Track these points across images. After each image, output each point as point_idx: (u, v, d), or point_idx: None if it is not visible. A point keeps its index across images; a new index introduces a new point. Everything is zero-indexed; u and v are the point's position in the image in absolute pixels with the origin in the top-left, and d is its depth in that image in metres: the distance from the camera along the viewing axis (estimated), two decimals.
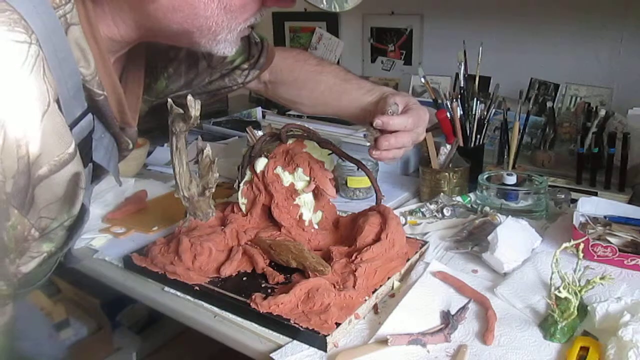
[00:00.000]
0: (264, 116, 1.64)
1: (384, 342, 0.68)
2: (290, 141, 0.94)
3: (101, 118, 0.62)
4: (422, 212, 1.06)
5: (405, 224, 1.02)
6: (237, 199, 0.96)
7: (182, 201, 0.94)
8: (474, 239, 0.94)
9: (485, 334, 0.71)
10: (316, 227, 0.94)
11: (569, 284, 0.71)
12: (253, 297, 0.77)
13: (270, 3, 0.64)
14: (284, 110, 1.51)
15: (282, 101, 1.02)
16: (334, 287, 0.78)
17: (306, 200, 0.92)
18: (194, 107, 0.85)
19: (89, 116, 0.59)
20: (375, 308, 0.79)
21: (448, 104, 1.21)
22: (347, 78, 0.95)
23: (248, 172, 0.94)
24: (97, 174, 0.67)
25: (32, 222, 0.53)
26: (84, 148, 0.59)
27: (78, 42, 0.56)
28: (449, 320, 0.72)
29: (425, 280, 0.82)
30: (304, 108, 1.02)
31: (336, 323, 0.71)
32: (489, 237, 0.87)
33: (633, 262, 0.85)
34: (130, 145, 0.72)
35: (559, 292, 0.70)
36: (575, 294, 0.71)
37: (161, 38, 0.65)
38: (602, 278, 0.71)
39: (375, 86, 0.92)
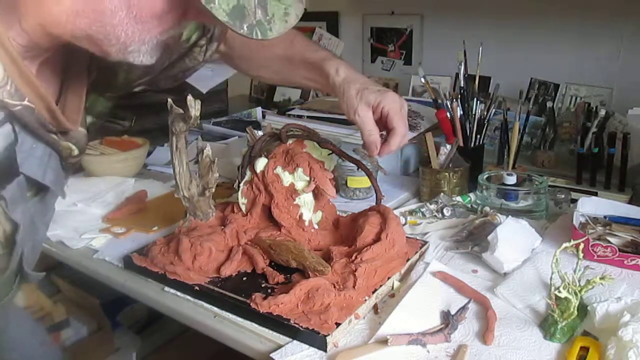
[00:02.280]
0: (264, 116, 1.64)
1: (384, 342, 0.68)
2: (290, 141, 0.94)
3: (26, 128, 0.59)
4: (422, 212, 1.06)
5: (405, 224, 1.02)
6: (237, 199, 0.96)
7: (182, 201, 0.94)
8: (474, 239, 0.94)
9: (485, 334, 0.71)
10: (316, 227, 0.94)
11: (569, 284, 0.71)
12: (253, 297, 0.77)
13: (192, 17, 0.60)
14: (284, 110, 1.51)
15: (241, 72, 1.01)
16: (334, 287, 0.78)
17: (306, 200, 0.92)
18: (194, 107, 0.85)
19: (6, 127, 0.56)
20: (375, 308, 0.79)
21: (448, 104, 1.21)
22: (292, 51, 0.92)
23: (248, 172, 0.94)
24: (37, 187, 0.63)
25: None
26: (6, 161, 0.56)
27: None
28: (449, 320, 0.72)
29: (425, 280, 0.82)
30: (265, 81, 1.01)
31: (336, 323, 0.71)
32: (489, 237, 0.87)
33: (633, 262, 0.85)
34: (75, 152, 0.68)
35: (559, 292, 0.70)
36: (575, 294, 0.71)
37: (74, 43, 0.59)
38: (602, 278, 0.71)
39: (318, 62, 0.89)
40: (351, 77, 0.85)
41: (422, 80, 1.30)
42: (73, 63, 0.68)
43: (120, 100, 0.84)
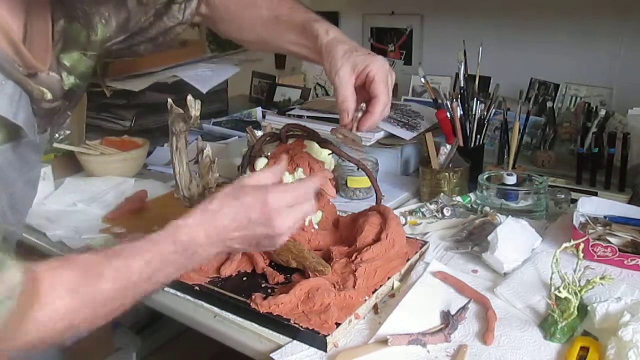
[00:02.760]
0: (264, 116, 1.64)
1: (384, 342, 0.68)
2: (290, 141, 0.94)
3: None
4: (422, 212, 1.06)
5: (405, 224, 1.02)
6: None
7: (182, 201, 0.94)
8: (474, 239, 0.94)
9: (485, 334, 0.71)
10: (316, 227, 0.93)
11: (569, 284, 0.71)
12: (253, 297, 0.77)
13: None
14: (284, 110, 1.51)
15: (225, 37, 0.96)
16: (334, 287, 0.78)
17: None
18: (194, 107, 0.85)
19: None
20: (375, 308, 0.79)
21: (448, 104, 1.21)
22: (278, 11, 0.87)
23: (248, 172, 0.94)
24: (11, 132, 0.58)
25: None
26: None
27: None
28: (449, 320, 0.72)
29: (425, 280, 0.82)
30: (249, 46, 0.96)
31: (336, 323, 0.71)
32: (489, 237, 0.87)
33: (633, 262, 0.85)
34: (48, 95, 0.64)
35: (559, 292, 0.70)
36: (575, 294, 0.71)
37: None
38: (602, 278, 0.71)
39: (307, 22, 0.84)
40: (341, 39, 0.80)
41: (422, 80, 1.30)
42: (34, 2, 0.64)
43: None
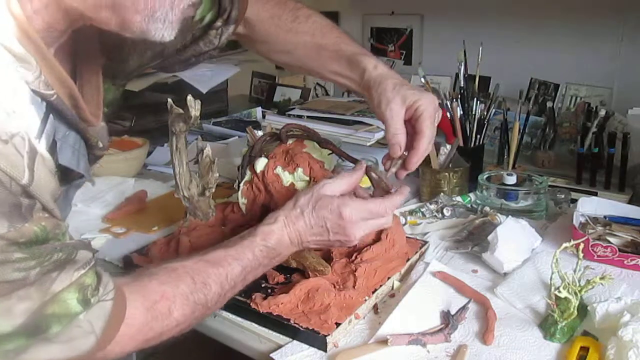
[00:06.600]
0: (264, 116, 1.64)
1: (384, 342, 0.68)
2: (290, 141, 0.94)
3: (59, 116, 0.56)
4: (422, 212, 1.06)
5: (405, 224, 1.02)
6: (237, 199, 0.96)
7: (182, 201, 0.94)
8: (474, 239, 0.94)
9: (485, 334, 0.71)
10: None
11: (569, 284, 0.71)
12: (253, 297, 0.77)
13: None
14: (284, 110, 1.51)
15: (260, 55, 0.95)
16: (334, 287, 0.78)
17: None
18: (194, 107, 0.86)
19: (50, 119, 0.54)
20: (375, 308, 0.79)
21: (448, 104, 1.21)
22: (324, 40, 0.86)
23: (248, 172, 0.94)
24: (67, 176, 0.60)
25: None
26: (52, 153, 0.54)
27: (8, 45, 0.48)
28: (449, 320, 0.72)
29: (425, 280, 0.82)
30: (288, 69, 0.96)
31: (336, 323, 0.71)
32: (489, 237, 0.87)
33: (633, 262, 0.85)
34: (100, 144, 0.66)
35: (559, 292, 0.70)
36: (575, 294, 0.71)
37: (90, 18, 0.54)
38: (602, 278, 0.71)
39: (354, 55, 0.83)
40: (389, 74, 0.81)
41: (422, 80, 1.30)
42: (82, 51, 0.64)
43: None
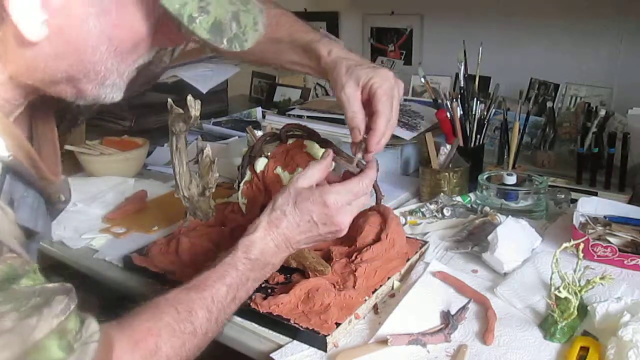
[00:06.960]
0: (264, 116, 1.64)
1: (384, 342, 0.68)
2: (290, 141, 0.94)
3: (17, 176, 0.56)
4: (422, 212, 1.06)
5: (405, 224, 1.02)
6: (237, 199, 0.96)
7: (182, 201, 0.94)
8: (474, 239, 0.94)
9: (485, 334, 0.71)
10: None
11: (569, 284, 0.71)
12: (253, 297, 0.77)
13: (156, 43, 0.58)
14: (284, 110, 1.51)
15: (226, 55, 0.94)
16: (334, 287, 0.78)
17: None
18: (194, 107, 0.86)
19: (7, 177, 0.54)
20: (375, 308, 0.79)
21: (448, 104, 1.21)
22: (278, 34, 0.84)
23: (248, 172, 0.94)
24: (26, 233, 0.59)
25: None
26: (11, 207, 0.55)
27: None
28: (449, 320, 0.72)
29: (425, 280, 0.82)
30: (251, 63, 0.95)
31: (336, 323, 0.71)
32: (489, 237, 0.87)
33: (633, 262, 0.85)
34: (63, 197, 0.66)
35: (559, 292, 0.70)
36: (575, 294, 0.71)
37: (46, 90, 0.57)
38: (602, 278, 0.71)
39: (309, 44, 0.81)
40: (344, 56, 0.78)
41: (422, 80, 1.30)
42: (40, 114, 0.66)
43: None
